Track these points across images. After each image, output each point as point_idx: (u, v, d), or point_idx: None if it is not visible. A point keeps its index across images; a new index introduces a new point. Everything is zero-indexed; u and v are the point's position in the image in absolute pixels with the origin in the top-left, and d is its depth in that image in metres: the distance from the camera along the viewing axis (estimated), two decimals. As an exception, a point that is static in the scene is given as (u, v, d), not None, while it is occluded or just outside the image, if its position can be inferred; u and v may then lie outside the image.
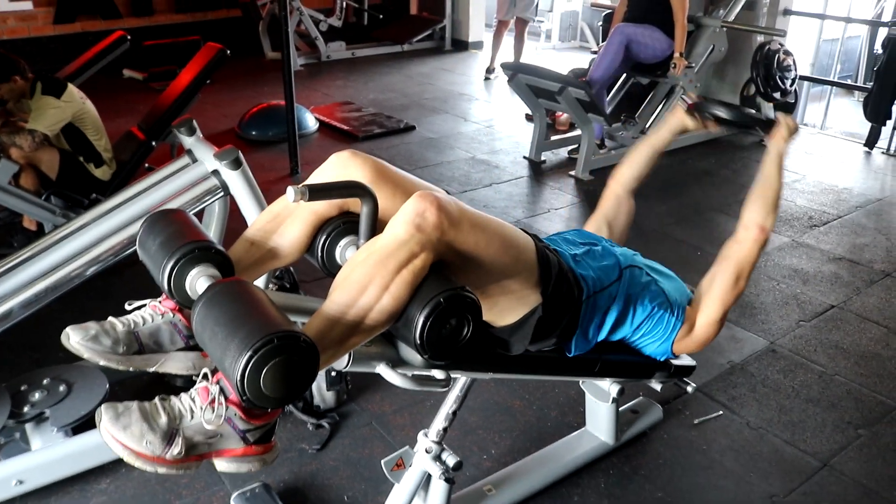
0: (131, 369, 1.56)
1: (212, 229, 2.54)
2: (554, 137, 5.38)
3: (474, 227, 1.49)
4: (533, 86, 4.85)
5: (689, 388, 2.35)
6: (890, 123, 5.45)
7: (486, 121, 6.08)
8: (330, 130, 5.71)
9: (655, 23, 4.92)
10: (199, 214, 2.55)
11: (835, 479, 2.34)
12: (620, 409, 2.45)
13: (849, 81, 7.89)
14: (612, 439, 2.39)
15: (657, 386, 2.23)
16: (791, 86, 5.47)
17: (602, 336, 1.87)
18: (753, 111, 2.24)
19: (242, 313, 1.27)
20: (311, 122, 5.67)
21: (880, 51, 8.57)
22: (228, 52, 4.04)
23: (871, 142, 5.54)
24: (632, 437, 2.47)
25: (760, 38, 5.60)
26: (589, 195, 4.61)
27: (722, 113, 2.18)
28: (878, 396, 2.76)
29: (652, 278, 1.97)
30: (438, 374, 1.54)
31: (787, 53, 5.43)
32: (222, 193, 2.37)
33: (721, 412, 2.63)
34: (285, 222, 1.67)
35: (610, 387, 2.19)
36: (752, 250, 1.94)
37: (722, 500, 2.26)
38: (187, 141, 2.55)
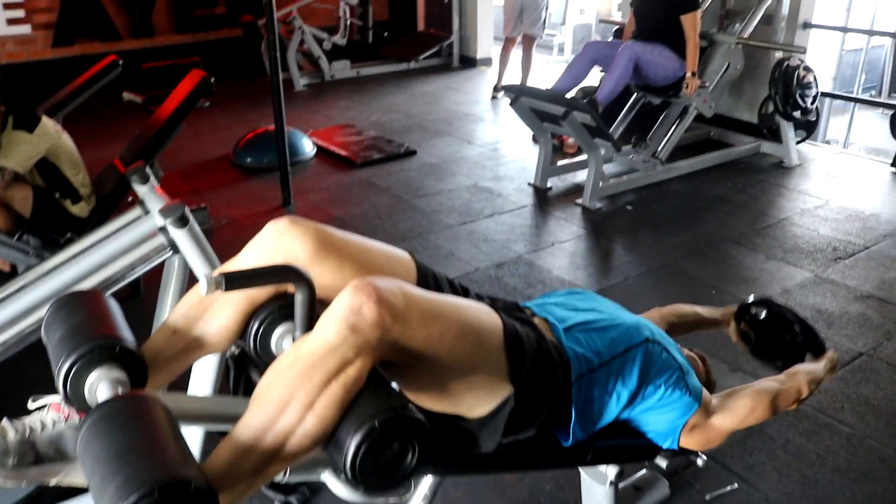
0: (23, 485, 1.33)
1: (169, 292, 2.30)
2: (561, 162, 5.11)
3: (424, 319, 1.24)
4: (537, 109, 4.60)
5: (700, 461, 2.10)
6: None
7: (492, 144, 5.84)
8: (328, 156, 5.49)
9: (666, 42, 4.67)
10: (159, 273, 2.32)
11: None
12: (621, 485, 2.18)
13: (872, 94, 7.59)
14: (613, 523, 2.12)
15: (663, 463, 1.98)
16: (812, 104, 5.17)
17: (609, 420, 1.62)
18: (814, 330, 2.08)
19: (128, 448, 1.03)
20: (307, 147, 5.45)
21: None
22: (213, 79, 3.82)
23: (897, 162, 5.23)
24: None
25: (779, 54, 5.31)
26: (596, 226, 4.34)
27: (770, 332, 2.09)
28: (914, 463, 2.47)
29: (670, 355, 1.72)
30: (390, 493, 1.29)
31: (808, 70, 5.14)
32: (171, 253, 2.14)
33: (736, 484, 2.35)
34: (212, 306, 1.42)
35: (607, 469, 1.94)
36: (786, 399, 1.84)
37: None
38: (140, 190, 2.31)
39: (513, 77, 7.04)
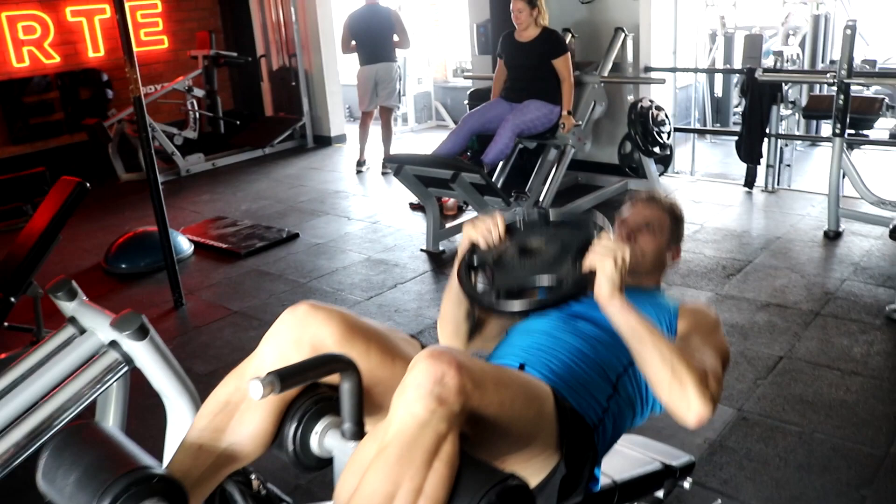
0: None
1: (109, 415, 2.10)
2: (448, 225, 5.18)
3: (497, 385, 1.20)
4: (421, 176, 4.65)
5: (687, 484, 2.15)
6: (764, 161, 5.61)
7: (370, 217, 5.83)
8: (207, 251, 5.28)
9: (538, 94, 4.91)
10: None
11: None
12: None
13: (710, 127, 8.26)
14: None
15: (660, 493, 2.01)
16: (668, 139, 5.56)
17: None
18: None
19: None
20: (184, 244, 5.21)
21: (719, 95, 9.13)
22: (88, 184, 3.61)
23: (749, 182, 5.68)
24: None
25: (631, 98, 5.69)
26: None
27: (505, 305, 1.43)
28: (864, 448, 2.62)
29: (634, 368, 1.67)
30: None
31: (659, 108, 5.53)
32: (126, 368, 1.96)
33: (719, 500, 2.40)
34: (238, 413, 1.31)
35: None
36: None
37: None
38: (68, 307, 2.12)
39: (372, 151, 7.14)
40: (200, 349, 3.75)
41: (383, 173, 6.95)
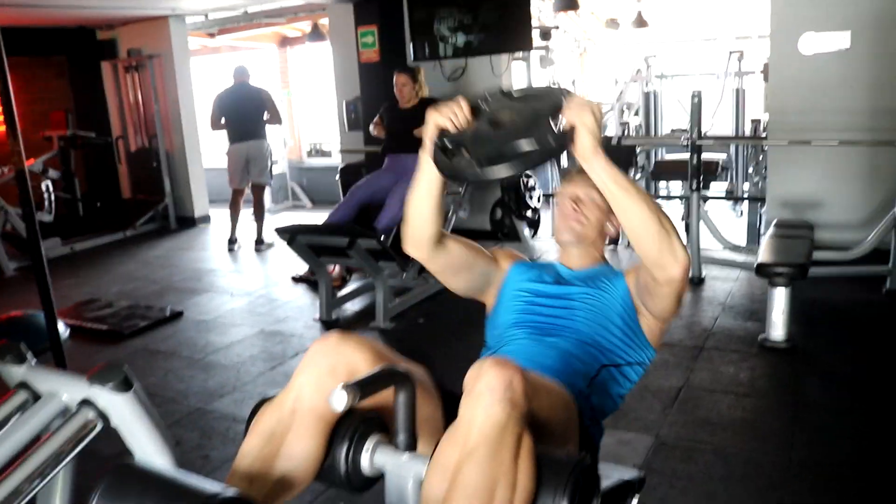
0: None
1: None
2: (339, 294, 5.23)
3: (548, 391, 1.34)
4: (315, 245, 4.71)
5: (635, 502, 2.31)
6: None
7: (253, 292, 5.77)
8: (85, 335, 5.02)
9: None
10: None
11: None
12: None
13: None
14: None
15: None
16: (538, 202, 5.93)
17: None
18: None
19: None
20: (60, 328, 4.94)
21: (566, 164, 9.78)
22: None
23: (614, 241, 6.12)
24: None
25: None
26: (399, 344, 4.49)
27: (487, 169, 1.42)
28: (770, 457, 2.91)
29: (619, 349, 1.82)
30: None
31: (528, 175, 5.90)
32: (100, 427, 1.89)
33: (660, 516, 2.59)
34: (286, 440, 1.35)
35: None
36: (682, 285, 1.77)
37: None
38: (17, 373, 2.02)
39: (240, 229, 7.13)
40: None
41: (257, 250, 6.91)
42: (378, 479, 1.39)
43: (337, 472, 1.35)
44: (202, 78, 9.06)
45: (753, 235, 6.49)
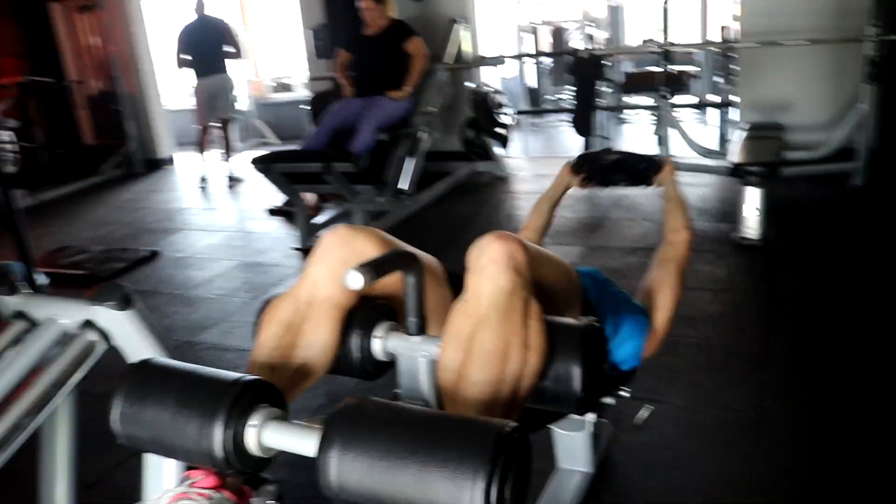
0: None
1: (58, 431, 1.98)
2: (314, 221, 5.23)
3: (547, 261, 1.39)
4: (291, 172, 4.69)
5: (626, 393, 2.37)
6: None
7: (229, 227, 5.76)
8: (63, 281, 4.98)
9: (390, 88, 5.08)
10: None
11: (769, 418, 2.50)
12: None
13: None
14: (592, 467, 2.32)
15: (612, 400, 2.22)
16: (511, 120, 5.92)
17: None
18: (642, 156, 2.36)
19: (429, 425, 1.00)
20: (38, 277, 4.90)
21: (535, 85, 9.78)
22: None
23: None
24: (602, 459, 2.42)
25: (471, 84, 6.01)
26: (382, 263, 4.53)
27: (611, 167, 2.31)
28: (749, 346, 3.03)
29: (615, 286, 1.97)
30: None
31: (498, 93, 5.88)
32: (102, 348, 1.90)
33: (652, 407, 2.68)
34: (304, 329, 1.37)
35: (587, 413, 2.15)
36: (686, 250, 2.08)
37: (704, 478, 2.29)
38: (11, 303, 2.01)
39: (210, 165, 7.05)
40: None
41: (229, 186, 6.86)
42: (391, 364, 1.42)
43: (351, 359, 1.38)
44: (159, 15, 8.80)
45: (723, 142, 6.56)
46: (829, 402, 2.59)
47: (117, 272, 4.93)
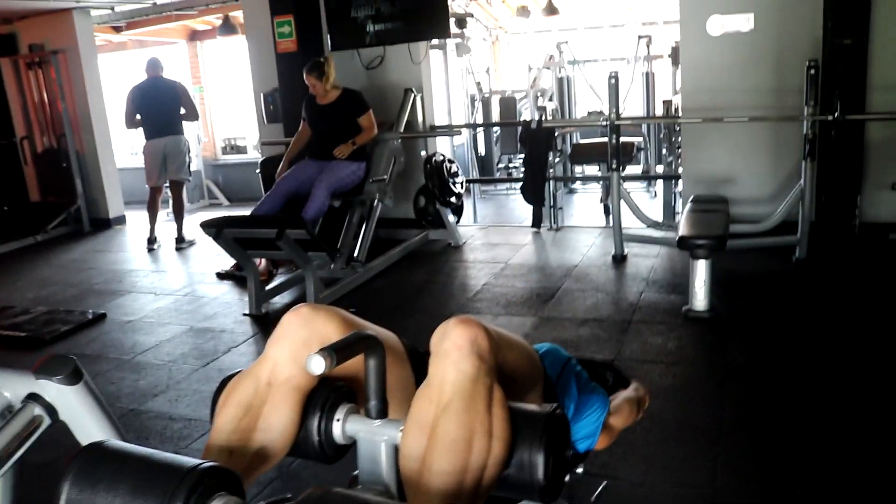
0: None
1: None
2: (267, 287, 5.17)
3: (509, 346, 1.39)
4: (242, 238, 4.65)
5: (580, 470, 2.37)
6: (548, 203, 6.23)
7: (178, 290, 5.65)
8: (3, 344, 4.82)
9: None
10: None
11: (726, 498, 2.51)
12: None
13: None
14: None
15: (566, 478, 2.21)
16: (462, 188, 5.99)
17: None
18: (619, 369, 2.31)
19: None
20: (-26, 340, 4.74)
21: (483, 151, 9.95)
22: None
23: (537, 222, 6.25)
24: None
25: (424, 153, 6.08)
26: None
27: None
28: (703, 419, 3.05)
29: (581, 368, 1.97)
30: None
31: (451, 161, 5.96)
32: (47, 423, 1.84)
33: (605, 482, 2.67)
34: (264, 411, 1.34)
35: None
36: (645, 400, 2.07)
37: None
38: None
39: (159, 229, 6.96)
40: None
41: (178, 249, 6.77)
42: (350, 447, 1.40)
43: (310, 442, 1.35)
44: (109, 76, 8.77)
45: (669, 213, 6.74)
46: (783, 477, 2.62)
47: (61, 335, 4.79)
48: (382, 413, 1.33)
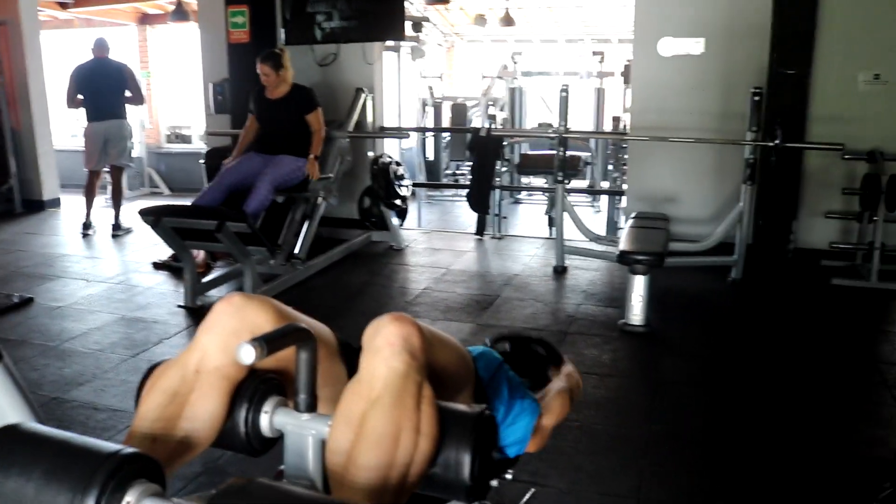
0: None
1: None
2: (204, 280, 5.07)
3: (441, 344, 1.38)
4: (181, 228, 4.55)
5: (509, 476, 2.38)
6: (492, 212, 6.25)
7: (112, 278, 5.51)
8: (-80, 323, 4.64)
9: (290, 150, 5.05)
10: None
11: (655, 512, 2.55)
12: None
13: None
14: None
15: (495, 483, 2.21)
16: (408, 191, 5.98)
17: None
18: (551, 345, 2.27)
19: None
20: None
21: (431, 157, 9.96)
22: None
23: (480, 230, 6.27)
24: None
25: (371, 154, 6.05)
26: (270, 326, 4.43)
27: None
28: (631, 430, 3.09)
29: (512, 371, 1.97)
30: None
31: (398, 164, 5.95)
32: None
33: (533, 489, 2.68)
34: (190, 399, 1.31)
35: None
36: (577, 389, 2.05)
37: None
38: None
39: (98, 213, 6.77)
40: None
41: (115, 236, 6.60)
42: (277, 440, 1.38)
43: (237, 433, 1.32)
44: (52, 54, 8.51)
45: (611, 228, 6.83)
46: (707, 488, 2.67)
47: (-17, 318, 4.62)
48: (311, 407, 1.31)
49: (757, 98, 4.91)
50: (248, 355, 1.13)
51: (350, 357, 1.55)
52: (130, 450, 1.09)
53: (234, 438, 1.34)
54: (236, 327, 1.36)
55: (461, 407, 1.26)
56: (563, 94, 5.08)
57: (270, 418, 1.34)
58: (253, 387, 1.35)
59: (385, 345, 1.22)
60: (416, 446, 1.15)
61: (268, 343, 1.16)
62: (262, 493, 1.01)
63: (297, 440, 1.31)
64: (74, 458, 1.11)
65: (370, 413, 1.17)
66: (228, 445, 1.36)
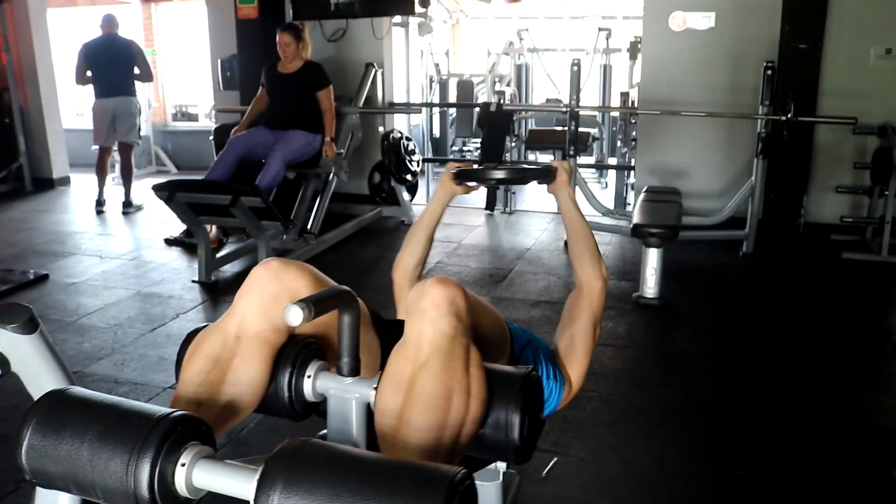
0: None
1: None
2: (218, 255, 5.09)
3: (484, 308, 1.40)
4: (195, 203, 4.57)
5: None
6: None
7: (126, 254, 5.53)
8: (-63, 301, 4.67)
9: (301, 125, 5.04)
10: None
11: (671, 473, 2.58)
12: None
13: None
14: (501, 517, 2.32)
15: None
16: (418, 167, 5.98)
17: None
18: (526, 165, 2.26)
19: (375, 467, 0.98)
20: None
21: (437, 133, 9.92)
22: None
23: (490, 205, 6.28)
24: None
25: (382, 129, 6.05)
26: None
27: (499, 174, 2.02)
28: (649, 401, 3.12)
29: (530, 335, 1.99)
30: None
31: (409, 139, 5.94)
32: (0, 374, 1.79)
33: (556, 458, 2.72)
34: (233, 365, 1.32)
35: (497, 464, 2.16)
36: (600, 300, 1.93)
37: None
38: None
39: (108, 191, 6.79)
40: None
41: (125, 213, 6.62)
42: (320, 404, 1.39)
43: (280, 398, 1.34)
44: (58, 32, 8.47)
45: (620, 203, 6.84)
46: (727, 457, 2.70)
47: (0, 294, 4.64)
48: (355, 371, 1.32)
49: (769, 72, 4.90)
50: (297, 317, 1.14)
51: (379, 326, 1.57)
52: (181, 412, 1.11)
53: (278, 403, 1.36)
54: (275, 292, 1.37)
55: (508, 368, 1.28)
56: (575, 68, 5.07)
57: (313, 382, 1.35)
58: (295, 351, 1.36)
59: (431, 307, 1.23)
60: (466, 409, 1.17)
61: (315, 305, 1.18)
62: (320, 452, 1.03)
63: (340, 404, 1.32)
64: (127, 420, 1.13)
65: (419, 375, 1.19)
66: (271, 410, 1.38)
